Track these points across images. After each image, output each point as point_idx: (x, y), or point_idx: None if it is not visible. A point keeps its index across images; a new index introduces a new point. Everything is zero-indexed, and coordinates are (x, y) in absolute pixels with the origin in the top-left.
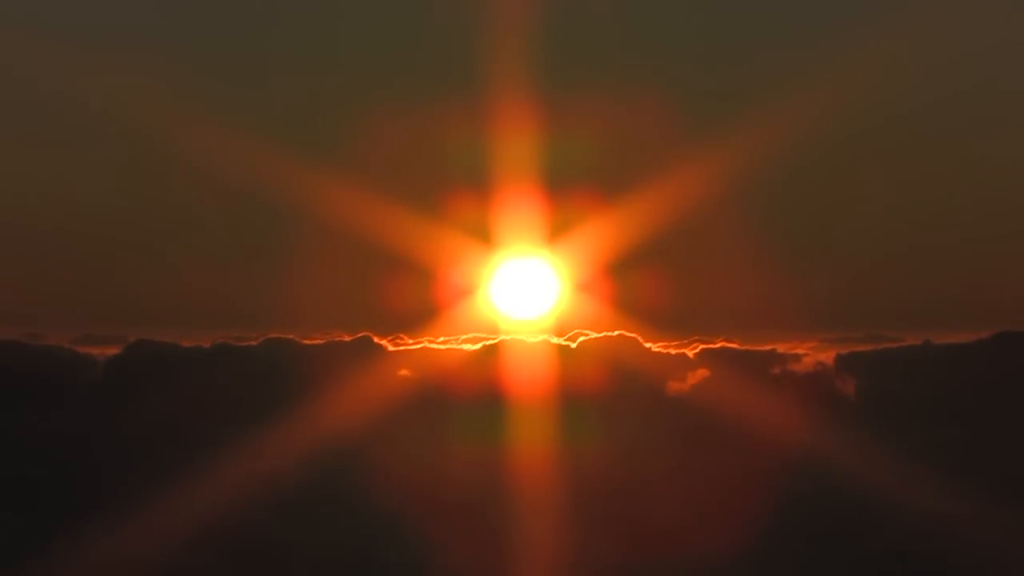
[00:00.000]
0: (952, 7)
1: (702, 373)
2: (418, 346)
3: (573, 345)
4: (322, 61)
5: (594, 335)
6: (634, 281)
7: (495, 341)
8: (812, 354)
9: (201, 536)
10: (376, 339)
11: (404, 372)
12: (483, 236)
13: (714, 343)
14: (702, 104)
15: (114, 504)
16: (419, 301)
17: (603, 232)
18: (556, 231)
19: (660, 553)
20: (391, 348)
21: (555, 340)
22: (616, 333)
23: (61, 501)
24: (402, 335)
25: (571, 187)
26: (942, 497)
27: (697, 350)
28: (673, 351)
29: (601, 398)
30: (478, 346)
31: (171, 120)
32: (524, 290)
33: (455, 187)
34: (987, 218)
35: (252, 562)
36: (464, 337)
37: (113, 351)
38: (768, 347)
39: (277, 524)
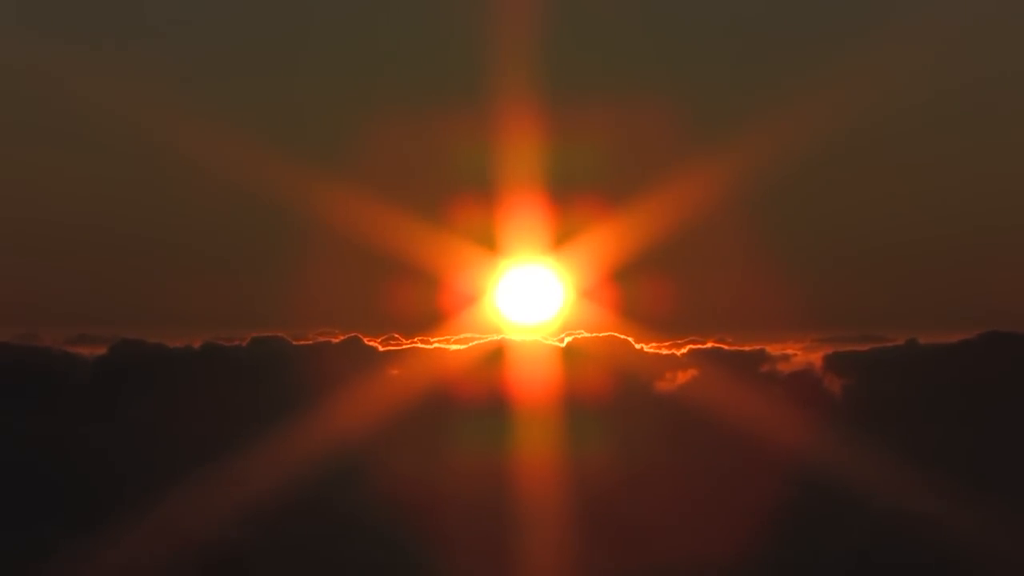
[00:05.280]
0: (951, 14)
1: (691, 373)
2: (408, 346)
3: (563, 346)
4: (325, 65)
5: (585, 334)
6: (638, 287)
7: (485, 341)
8: (802, 354)
9: (188, 542)
10: (366, 340)
11: (394, 372)
12: (488, 243)
13: (704, 343)
14: (705, 111)
15: (99, 509)
16: (424, 307)
17: (608, 239)
18: (561, 238)
19: (657, 554)
20: (381, 348)
21: (546, 341)
22: (606, 334)
23: (45, 505)
24: (396, 335)
25: (576, 194)
26: (928, 496)
27: (685, 350)
28: (664, 351)
29: (589, 397)
30: (468, 346)
31: (171, 122)
32: (529, 297)
33: (459, 193)
34: (981, 219)
35: (242, 570)
36: (455, 338)
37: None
38: (758, 347)
39: (268, 529)
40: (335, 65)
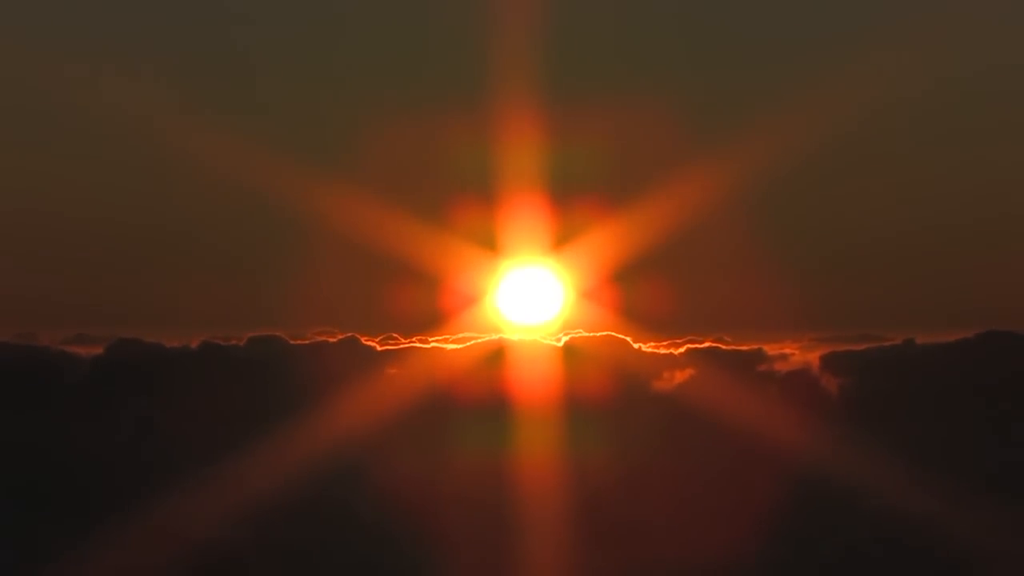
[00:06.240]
0: (952, 18)
1: (688, 373)
2: (406, 346)
3: (561, 345)
4: (326, 67)
5: (584, 334)
6: (638, 288)
7: (482, 341)
8: (800, 353)
9: (187, 542)
10: (364, 340)
11: (392, 371)
12: (488, 244)
13: (702, 343)
14: (703, 114)
15: (98, 509)
16: (424, 309)
17: (608, 240)
18: (561, 239)
19: (655, 553)
20: (379, 348)
21: (544, 340)
22: (604, 333)
23: (44, 505)
24: (395, 335)
25: (576, 195)
26: (925, 495)
27: (683, 350)
28: (662, 351)
29: (587, 396)
30: (466, 345)
31: (170, 122)
32: (529, 298)
33: (460, 195)
34: (979, 219)
35: (240, 570)
36: (453, 338)
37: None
38: (756, 347)
39: (267, 529)
40: (335, 66)
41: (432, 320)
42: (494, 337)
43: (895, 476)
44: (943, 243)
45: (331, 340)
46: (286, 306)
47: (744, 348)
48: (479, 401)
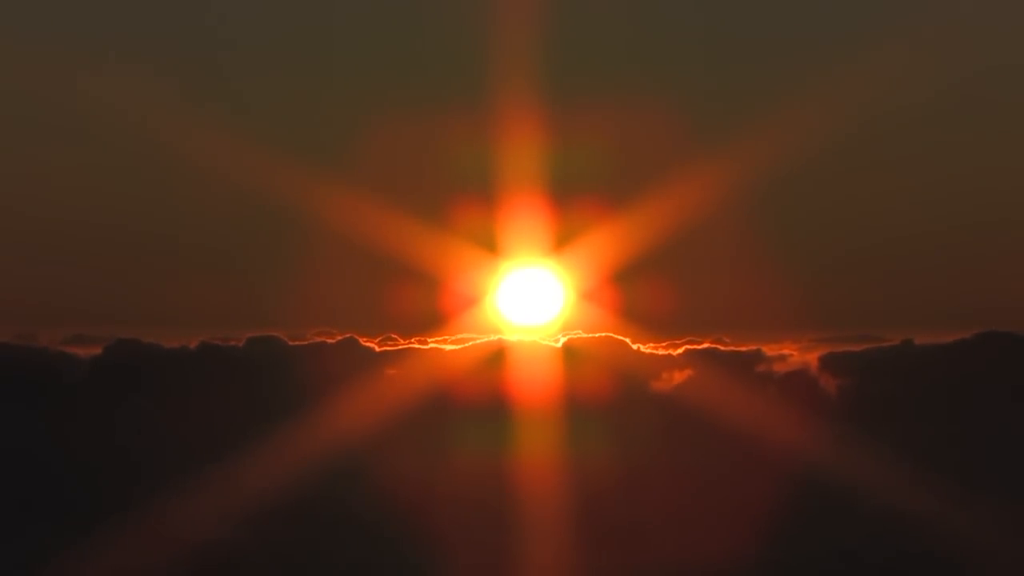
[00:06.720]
0: (952, 19)
1: (687, 373)
2: (404, 347)
3: (559, 346)
4: (325, 67)
5: (583, 335)
6: (638, 289)
7: (481, 341)
8: (798, 354)
9: (185, 543)
10: (363, 340)
11: (391, 372)
12: (488, 245)
13: (701, 344)
14: (703, 114)
15: (96, 510)
16: (425, 309)
17: (608, 241)
18: (561, 240)
19: (655, 554)
20: (378, 349)
21: (543, 341)
22: (602, 334)
23: (42, 506)
24: (394, 336)
25: (576, 196)
26: (923, 496)
27: (681, 350)
28: (661, 351)
29: (586, 397)
30: (464, 346)
31: (170, 122)
32: (530, 299)
33: (460, 196)
34: (977, 219)
35: (238, 571)
36: (453, 338)
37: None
38: (754, 347)
39: (265, 530)
40: (336, 66)
41: (432, 321)
42: (494, 338)
43: (894, 476)
44: (942, 243)
45: (330, 341)
46: (285, 306)
47: (743, 349)
48: (479, 402)
